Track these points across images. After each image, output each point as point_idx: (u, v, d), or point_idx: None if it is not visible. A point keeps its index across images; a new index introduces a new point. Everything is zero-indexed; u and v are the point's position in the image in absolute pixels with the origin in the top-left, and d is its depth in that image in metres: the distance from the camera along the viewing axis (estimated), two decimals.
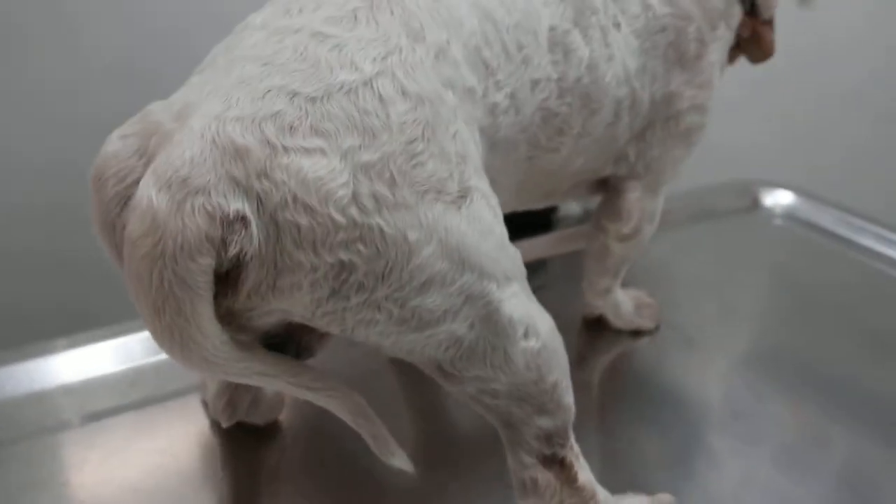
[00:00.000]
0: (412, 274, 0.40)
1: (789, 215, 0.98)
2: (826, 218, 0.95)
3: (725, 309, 0.78)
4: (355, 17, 0.42)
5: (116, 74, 0.83)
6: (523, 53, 0.48)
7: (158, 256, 0.37)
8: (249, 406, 0.54)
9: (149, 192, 0.37)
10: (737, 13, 0.63)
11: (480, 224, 0.42)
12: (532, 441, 0.46)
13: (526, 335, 0.44)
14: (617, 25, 0.55)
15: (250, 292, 0.39)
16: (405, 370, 0.45)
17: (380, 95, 0.39)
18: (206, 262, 0.37)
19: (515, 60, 0.48)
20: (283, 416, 0.59)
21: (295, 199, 0.37)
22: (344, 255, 0.38)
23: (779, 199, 1.00)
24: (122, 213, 0.39)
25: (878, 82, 1.16)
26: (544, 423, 0.46)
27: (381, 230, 0.38)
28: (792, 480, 0.55)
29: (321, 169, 0.37)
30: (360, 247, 0.38)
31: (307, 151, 0.37)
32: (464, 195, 0.42)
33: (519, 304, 0.44)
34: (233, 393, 0.53)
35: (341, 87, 0.39)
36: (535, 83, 0.50)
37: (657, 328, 0.71)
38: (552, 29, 0.51)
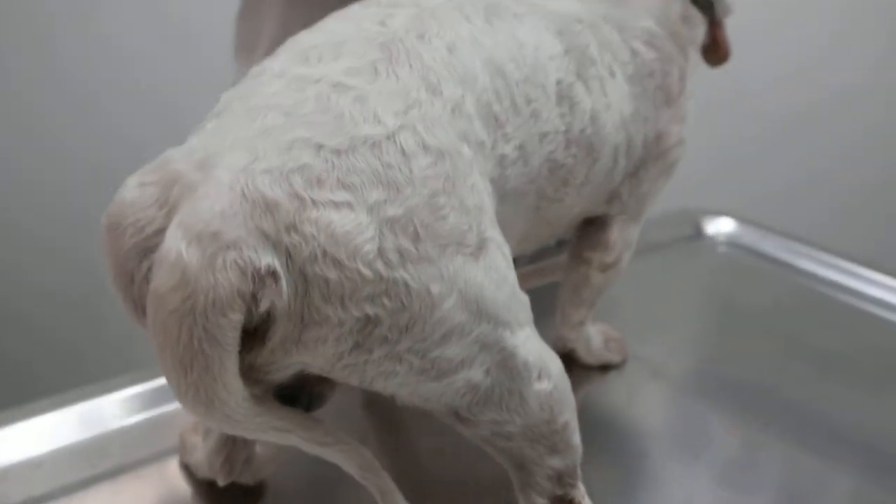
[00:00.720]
0: (434, 326, 0.40)
1: (732, 242, 1.02)
2: (768, 244, 1.00)
3: (677, 339, 0.80)
4: (375, 70, 0.42)
5: None
6: (532, 107, 0.50)
7: (188, 312, 0.36)
8: (243, 464, 0.53)
9: (178, 246, 0.36)
10: (700, 32, 0.65)
11: (496, 274, 0.43)
12: (544, 482, 0.48)
13: (539, 377, 0.46)
14: (612, 74, 0.57)
15: (275, 347, 0.39)
16: (409, 413, 0.45)
17: (402, 149, 0.40)
18: (237, 318, 0.37)
19: (524, 114, 0.49)
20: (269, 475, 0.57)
21: (324, 253, 0.37)
22: (369, 309, 0.39)
23: (721, 226, 1.04)
24: (141, 263, 0.39)
25: (816, 110, 1.22)
26: (556, 463, 0.47)
27: (406, 284, 0.39)
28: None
29: (349, 223, 0.38)
30: (385, 301, 0.39)
31: (335, 205, 0.38)
32: (481, 246, 0.43)
33: (532, 347, 0.46)
34: (231, 450, 0.52)
35: (365, 141, 0.39)
36: (543, 136, 0.51)
37: (624, 362, 0.73)
38: (559, 83, 0.52)
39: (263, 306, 0.37)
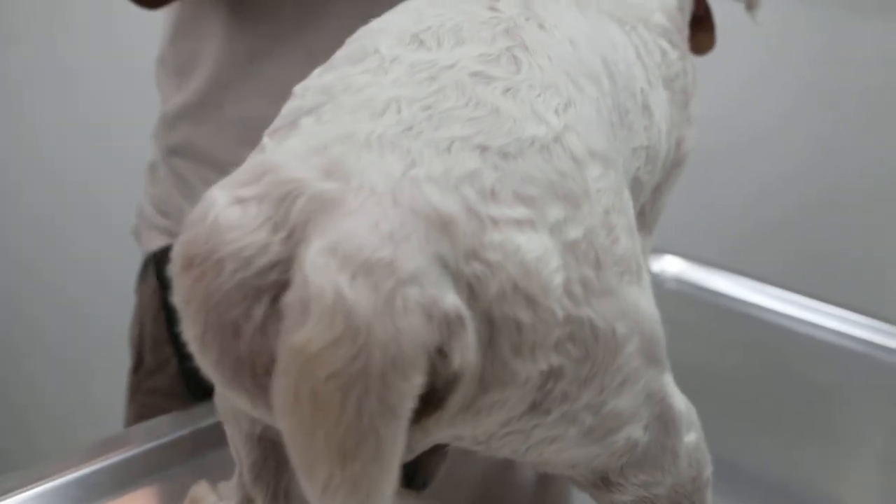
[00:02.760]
0: (613, 375, 0.34)
1: (680, 281, 1.00)
2: (719, 282, 0.98)
3: None
4: (514, 58, 0.35)
5: None
6: (629, 118, 0.44)
7: (358, 376, 0.26)
8: None
9: (334, 281, 0.26)
10: (687, 18, 0.61)
11: (654, 303, 0.37)
12: None
13: (688, 429, 0.40)
14: (657, 79, 0.52)
15: (442, 419, 0.29)
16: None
17: (573, 155, 0.33)
18: (419, 383, 0.27)
19: (625, 125, 0.44)
20: None
21: (515, 287, 0.29)
22: (554, 359, 0.31)
23: (667, 265, 1.02)
24: (252, 310, 0.29)
25: (761, 143, 1.25)
26: None
27: (592, 324, 0.32)
28: None
29: (537, 248, 0.30)
30: (570, 347, 0.31)
31: (518, 224, 0.30)
32: (640, 272, 0.36)
33: (678, 394, 0.40)
34: None
35: (532, 143, 0.32)
36: (634, 151, 0.45)
37: None
38: (642, 91, 0.47)
39: (455, 363, 0.27)
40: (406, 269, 0.27)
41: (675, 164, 0.58)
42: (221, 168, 0.83)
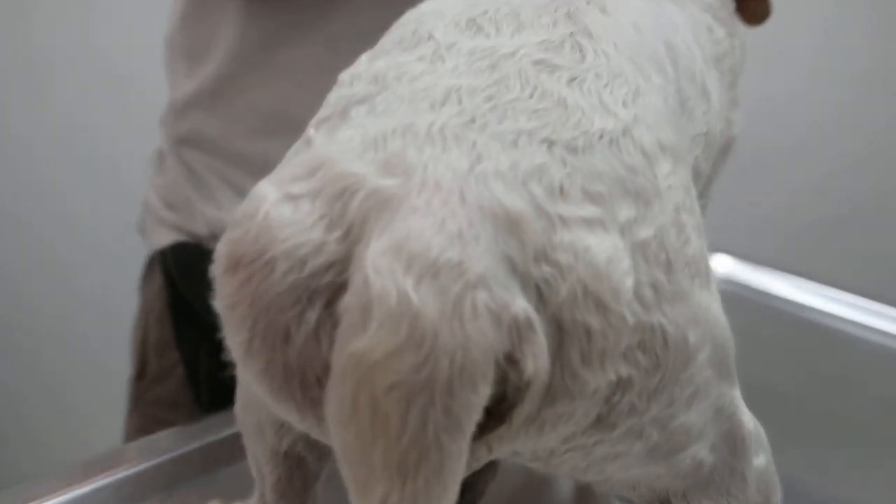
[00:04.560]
0: (683, 386, 0.34)
1: (729, 282, 1.00)
2: (774, 283, 0.98)
3: None
4: (578, 45, 0.36)
5: None
6: (690, 105, 0.45)
7: (423, 386, 0.26)
8: None
9: (398, 283, 0.27)
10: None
11: (722, 308, 0.38)
12: None
13: (756, 451, 0.40)
14: (710, 59, 0.53)
15: (507, 432, 0.30)
16: None
17: (643, 149, 0.34)
18: (486, 394, 0.28)
19: (686, 113, 0.44)
20: None
21: (586, 291, 0.30)
22: (623, 369, 0.32)
23: (715, 265, 1.02)
24: (305, 314, 0.29)
25: (818, 133, 1.25)
26: None
27: (664, 331, 0.32)
28: None
29: (608, 249, 0.31)
30: (640, 355, 0.32)
31: (588, 224, 0.31)
32: (709, 275, 0.37)
33: (747, 412, 0.40)
34: None
35: (601, 136, 0.33)
36: (694, 139, 0.46)
37: None
38: (701, 73, 0.47)
39: (527, 370, 0.28)
40: (475, 272, 0.27)
41: (721, 151, 0.58)
42: (234, 159, 0.84)
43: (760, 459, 0.40)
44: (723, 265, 1.00)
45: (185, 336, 0.77)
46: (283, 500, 0.42)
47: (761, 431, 0.41)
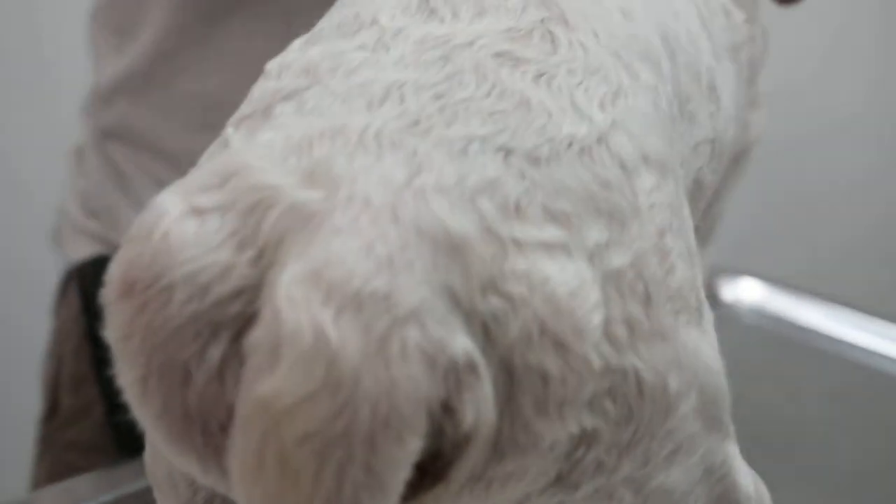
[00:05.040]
0: (662, 442, 0.35)
1: (759, 311, 1.00)
2: (811, 314, 0.98)
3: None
4: (550, 35, 0.36)
5: None
6: (691, 107, 0.45)
7: (339, 438, 0.27)
8: None
9: (314, 318, 0.27)
10: None
11: (717, 350, 0.38)
12: None
13: None
14: (723, 50, 0.54)
15: (442, 493, 0.30)
16: None
17: (620, 160, 0.34)
18: (415, 448, 0.28)
19: (685, 117, 0.45)
20: None
21: (542, 329, 0.30)
22: (588, 420, 0.32)
23: (743, 292, 1.02)
24: (208, 350, 0.30)
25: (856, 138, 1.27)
26: None
27: (638, 376, 0.33)
28: None
29: (571, 278, 0.31)
30: (608, 405, 0.32)
31: (548, 249, 0.31)
32: (700, 309, 0.37)
33: (745, 470, 0.41)
34: None
35: (570, 144, 0.33)
36: (696, 146, 0.46)
37: None
38: (708, 70, 0.48)
39: (465, 422, 0.28)
40: (406, 305, 0.27)
41: (737, 157, 0.59)
42: (167, 157, 0.85)
43: None
44: (752, 292, 1.01)
45: (106, 369, 0.77)
46: None
47: (764, 493, 0.41)
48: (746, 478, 0.40)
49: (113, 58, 0.77)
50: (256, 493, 0.27)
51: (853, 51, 1.31)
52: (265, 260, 0.29)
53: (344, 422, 0.26)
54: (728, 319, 0.99)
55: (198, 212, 0.30)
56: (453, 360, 0.28)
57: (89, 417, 0.77)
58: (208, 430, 0.30)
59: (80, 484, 0.62)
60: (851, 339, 0.93)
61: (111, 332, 0.31)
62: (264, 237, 0.29)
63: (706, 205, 0.57)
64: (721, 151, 0.50)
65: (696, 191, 0.48)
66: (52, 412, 0.79)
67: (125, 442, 0.76)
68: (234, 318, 0.29)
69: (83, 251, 0.78)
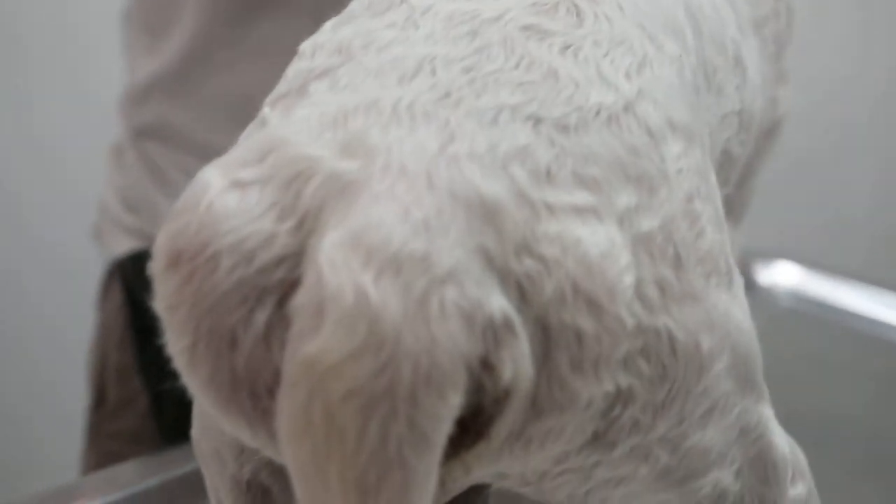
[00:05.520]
0: (697, 400, 0.36)
1: (795, 294, 1.00)
2: (850, 297, 0.98)
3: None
4: (576, 8, 0.37)
5: None
6: (718, 78, 0.46)
7: (382, 394, 0.28)
8: None
9: (355, 280, 0.28)
10: None
11: (749, 314, 0.39)
12: None
13: (793, 479, 0.41)
14: (748, 24, 0.55)
15: (485, 450, 0.32)
16: None
17: (647, 127, 0.35)
18: (456, 403, 0.29)
19: (713, 88, 0.46)
20: None
21: (576, 289, 0.31)
22: (623, 379, 0.33)
23: (780, 275, 1.02)
24: (253, 314, 0.31)
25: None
26: None
27: (671, 335, 0.34)
28: None
29: (602, 241, 0.32)
30: (642, 364, 0.33)
31: (579, 213, 0.32)
32: (731, 274, 0.38)
33: (781, 434, 0.41)
34: None
35: (598, 112, 0.34)
36: (723, 118, 0.47)
37: None
38: (733, 41, 0.49)
39: (504, 376, 0.29)
40: (443, 266, 0.28)
41: (767, 134, 0.60)
42: (204, 153, 0.86)
43: (799, 489, 0.41)
44: (789, 275, 1.01)
45: (149, 360, 0.79)
46: None
47: (800, 456, 0.42)
48: (782, 439, 0.41)
49: (146, 58, 0.79)
50: (304, 450, 0.29)
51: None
52: (305, 228, 0.30)
53: (387, 378, 0.28)
54: (765, 303, 0.99)
55: (239, 185, 0.32)
56: (490, 318, 0.29)
57: (134, 408, 0.79)
58: (256, 393, 0.31)
59: (126, 470, 0.64)
60: (888, 319, 0.93)
61: (160, 302, 0.32)
62: (304, 207, 0.31)
63: (739, 179, 0.58)
64: (749, 123, 0.51)
65: (725, 161, 0.49)
66: (99, 403, 0.81)
67: (168, 431, 0.77)
68: (278, 283, 0.31)
69: (124, 246, 0.80)
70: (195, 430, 0.43)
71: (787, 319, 0.97)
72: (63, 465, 0.83)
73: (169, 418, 0.78)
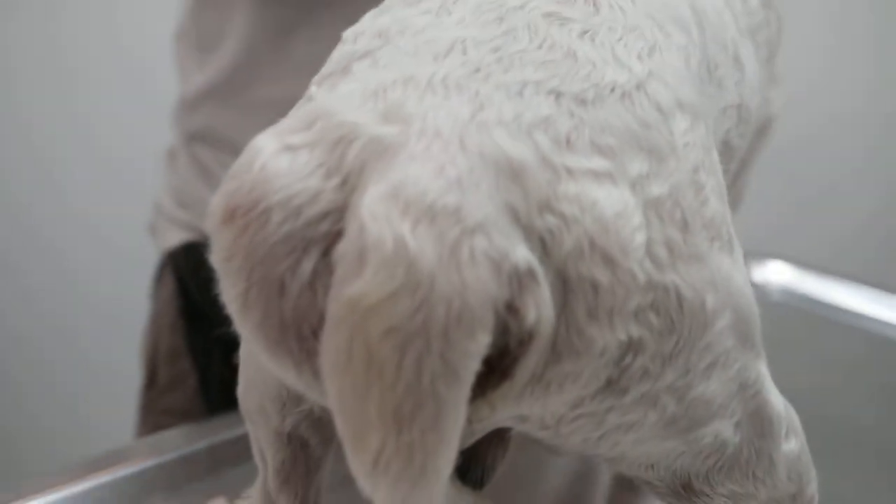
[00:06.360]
0: (701, 354, 0.36)
1: (787, 291, 1.00)
2: (837, 293, 0.98)
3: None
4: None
5: None
6: (719, 73, 0.46)
7: (418, 332, 0.28)
8: None
9: (394, 229, 0.28)
10: None
11: (748, 278, 0.39)
12: None
13: (787, 435, 0.41)
14: (745, 28, 0.54)
15: (510, 391, 0.32)
16: None
17: (657, 104, 0.35)
18: (485, 342, 0.29)
19: (714, 82, 0.46)
20: None
21: (592, 244, 0.31)
22: (634, 330, 0.33)
23: (771, 273, 1.02)
24: (301, 263, 0.31)
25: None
26: None
27: (678, 292, 0.34)
28: None
29: (616, 202, 0.32)
30: (652, 316, 0.33)
31: (596, 177, 0.32)
32: (731, 241, 0.38)
33: (775, 392, 0.41)
34: None
35: (613, 89, 0.34)
36: (724, 111, 0.47)
37: None
38: (733, 41, 0.49)
39: (529, 319, 0.30)
40: (474, 218, 0.29)
41: (759, 132, 0.60)
42: None
43: (791, 444, 0.41)
44: (780, 273, 1.01)
45: (197, 343, 0.79)
46: (285, 485, 0.43)
47: (793, 415, 0.42)
48: (777, 397, 0.41)
49: (197, 72, 0.80)
50: (346, 384, 0.29)
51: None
52: (349, 185, 0.31)
53: (422, 317, 0.28)
54: (759, 299, 0.99)
55: (290, 148, 0.32)
56: (515, 266, 0.29)
57: (183, 386, 0.80)
58: (302, 335, 0.31)
59: (174, 435, 0.64)
60: (872, 313, 0.93)
61: (216, 254, 0.33)
62: (348, 166, 0.31)
63: (735, 172, 0.58)
64: (747, 118, 0.51)
65: (725, 151, 0.49)
66: (151, 382, 0.81)
67: (215, 408, 0.78)
68: (323, 235, 0.31)
69: (176, 238, 0.81)
70: (241, 388, 0.44)
71: (777, 314, 0.97)
72: (119, 440, 0.84)
73: (215, 396, 0.78)
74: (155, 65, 0.96)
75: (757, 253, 1.02)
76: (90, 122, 1.42)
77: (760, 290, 0.99)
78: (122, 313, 0.98)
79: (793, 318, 0.95)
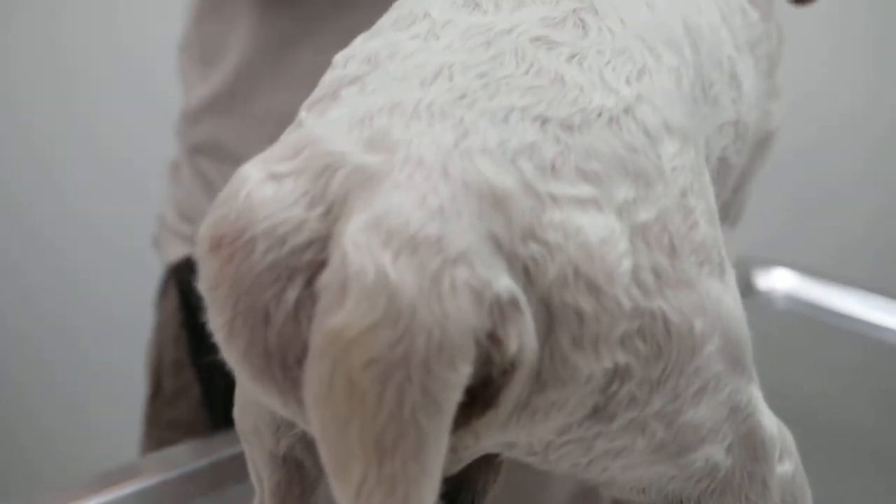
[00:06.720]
0: (689, 379, 0.35)
1: (792, 298, 1.00)
2: (842, 300, 0.97)
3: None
4: (581, 22, 0.37)
5: None
6: (714, 91, 0.46)
7: (399, 363, 0.28)
8: None
9: (375, 259, 0.28)
10: None
11: (740, 304, 0.39)
12: None
13: (780, 458, 0.41)
14: (744, 44, 0.54)
15: (494, 420, 0.32)
16: None
17: (645, 128, 0.35)
18: (466, 373, 0.29)
19: (709, 100, 0.45)
20: None
21: (577, 272, 0.31)
22: (620, 357, 0.33)
23: (776, 280, 1.02)
24: (285, 292, 0.31)
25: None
26: None
27: (665, 318, 0.34)
28: None
29: (601, 229, 0.32)
30: (639, 343, 0.33)
31: (580, 203, 0.32)
32: (723, 265, 0.38)
33: (769, 413, 0.41)
34: None
35: (600, 114, 0.34)
36: (720, 128, 0.47)
37: None
38: (730, 59, 0.48)
39: (510, 349, 0.29)
40: (455, 248, 0.29)
41: (759, 145, 0.59)
42: None
43: (786, 467, 0.41)
44: (785, 280, 1.00)
45: (201, 355, 0.79)
46: None
47: (788, 436, 0.42)
48: (770, 420, 0.40)
49: (199, 85, 0.80)
50: (328, 414, 0.29)
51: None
52: (332, 215, 0.31)
53: (403, 348, 0.28)
54: (764, 306, 0.98)
55: (275, 177, 0.32)
56: (497, 296, 0.29)
57: (187, 398, 0.80)
58: (286, 364, 0.31)
59: (179, 451, 0.64)
60: (877, 320, 0.92)
61: (203, 283, 0.33)
62: (332, 195, 0.31)
63: (735, 186, 0.57)
64: (744, 134, 0.51)
65: (722, 168, 0.49)
66: (156, 393, 0.81)
67: (218, 419, 0.78)
68: (307, 264, 0.31)
69: (179, 252, 0.81)
70: (237, 409, 0.43)
71: (782, 321, 0.96)
72: (124, 450, 0.84)
73: (218, 408, 0.78)
74: (155, 65, 0.96)
75: (761, 260, 1.02)
76: (90, 123, 1.41)
77: (765, 298, 0.99)
78: (122, 313, 0.98)
79: (797, 324, 0.95)
